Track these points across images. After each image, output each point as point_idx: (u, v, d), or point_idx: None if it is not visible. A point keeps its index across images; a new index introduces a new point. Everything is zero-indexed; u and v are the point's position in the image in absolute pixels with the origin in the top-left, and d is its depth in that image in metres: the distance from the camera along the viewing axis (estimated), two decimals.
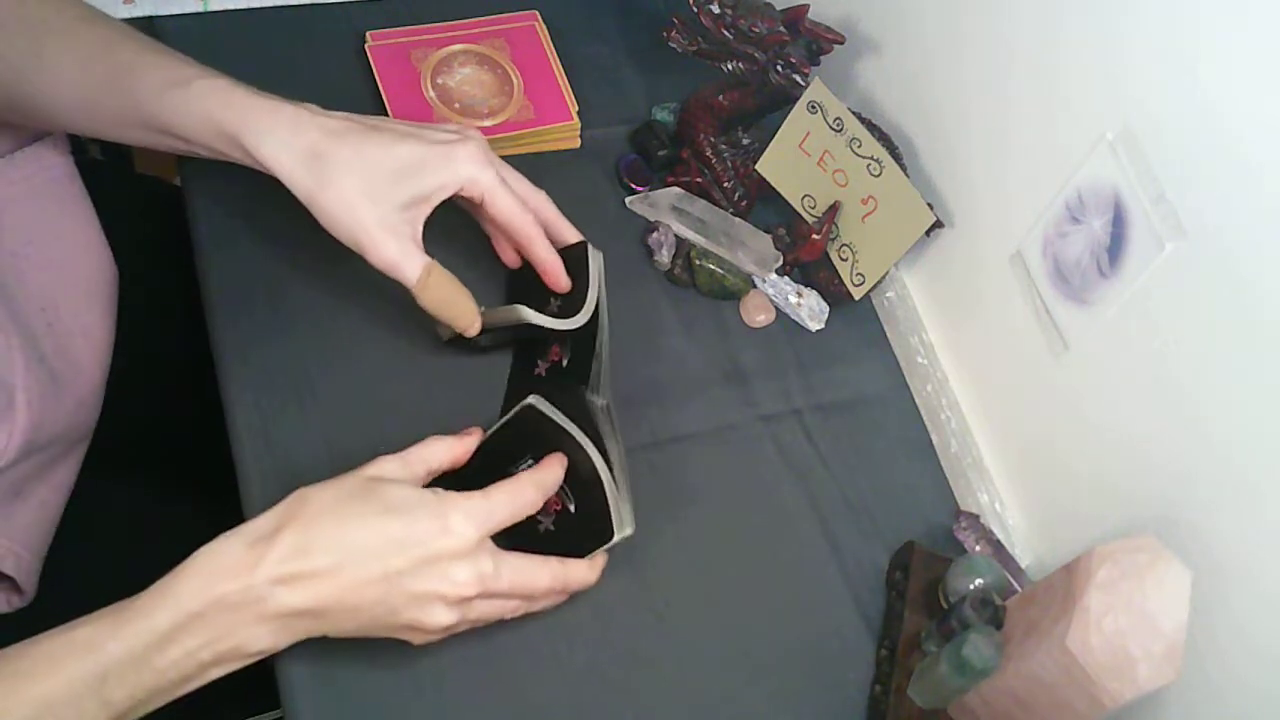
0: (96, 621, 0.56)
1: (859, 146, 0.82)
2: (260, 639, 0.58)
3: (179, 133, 0.67)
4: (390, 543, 0.59)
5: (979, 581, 0.74)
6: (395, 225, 0.67)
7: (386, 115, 0.87)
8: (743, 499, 0.81)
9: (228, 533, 0.59)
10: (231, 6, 0.90)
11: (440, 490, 0.63)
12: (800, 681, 0.75)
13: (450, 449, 0.67)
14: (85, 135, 0.72)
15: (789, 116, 0.86)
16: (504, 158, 0.89)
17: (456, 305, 0.72)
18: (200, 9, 0.89)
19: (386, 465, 0.64)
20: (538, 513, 0.67)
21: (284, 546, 0.58)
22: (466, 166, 0.69)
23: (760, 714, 0.73)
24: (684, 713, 0.72)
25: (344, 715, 0.65)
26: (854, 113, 0.83)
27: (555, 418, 0.68)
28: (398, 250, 0.67)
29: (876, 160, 0.82)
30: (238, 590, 0.57)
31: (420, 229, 0.69)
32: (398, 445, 0.67)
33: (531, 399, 0.69)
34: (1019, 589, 0.77)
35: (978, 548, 0.81)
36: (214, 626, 0.57)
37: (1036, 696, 0.66)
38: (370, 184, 0.67)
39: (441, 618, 0.61)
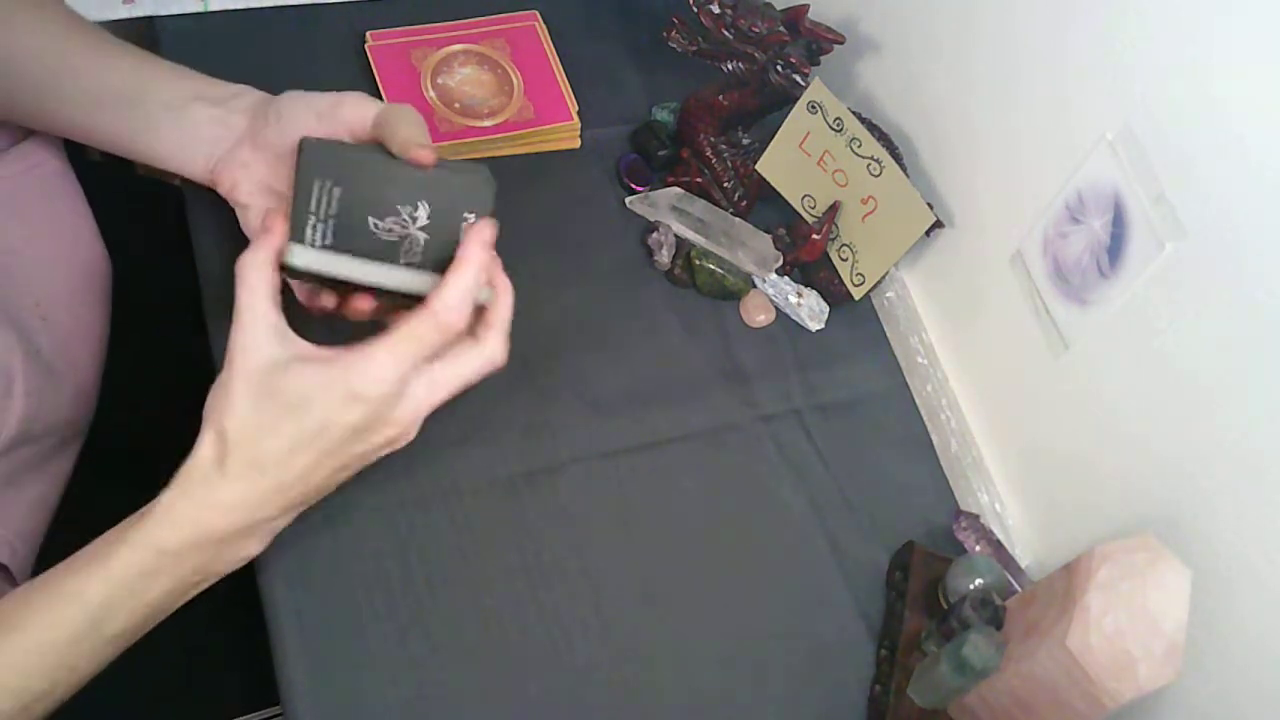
0: (80, 571, 0.59)
1: (859, 146, 0.82)
2: (246, 552, 0.63)
3: (158, 80, 0.69)
4: (317, 429, 0.60)
5: (979, 581, 0.74)
6: None
7: None
8: (743, 499, 0.81)
9: (177, 478, 0.61)
10: (231, 6, 0.90)
11: (330, 354, 0.61)
12: (800, 681, 0.75)
13: (267, 256, 0.63)
14: (29, 119, 0.73)
15: (789, 116, 0.86)
16: (504, 158, 0.90)
17: (416, 127, 0.66)
18: (200, 9, 0.89)
19: (250, 343, 0.62)
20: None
21: (239, 477, 0.60)
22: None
23: (760, 714, 0.73)
24: (684, 713, 0.72)
25: (343, 713, 0.66)
26: (854, 113, 0.83)
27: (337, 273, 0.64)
28: (362, 99, 0.67)
29: (876, 160, 0.82)
30: (214, 526, 0.60)
31: None
32: None
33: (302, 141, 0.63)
34: (1019, 589, 0.77)
35: (978, 548, 0.81)
36: (198, 559, 0.61)
37: (1036, 696, 0.66)
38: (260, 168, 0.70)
39: (400, 438, 0.64)
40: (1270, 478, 0.64)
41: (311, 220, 0.64)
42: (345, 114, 0.67)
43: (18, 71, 0.69)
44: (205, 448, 0.60)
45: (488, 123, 0.89)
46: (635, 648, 0.73)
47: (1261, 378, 0.64)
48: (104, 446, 0.79)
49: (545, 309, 0.83)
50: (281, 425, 0.60)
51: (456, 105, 0.89)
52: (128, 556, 0.59)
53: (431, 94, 0.89)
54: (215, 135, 0.70)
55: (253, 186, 0.71)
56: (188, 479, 0.60)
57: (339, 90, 0.90)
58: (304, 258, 0.64)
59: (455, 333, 0.62)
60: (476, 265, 0.62)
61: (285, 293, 0.64)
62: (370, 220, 0.64)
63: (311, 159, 0.63)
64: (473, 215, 0.64)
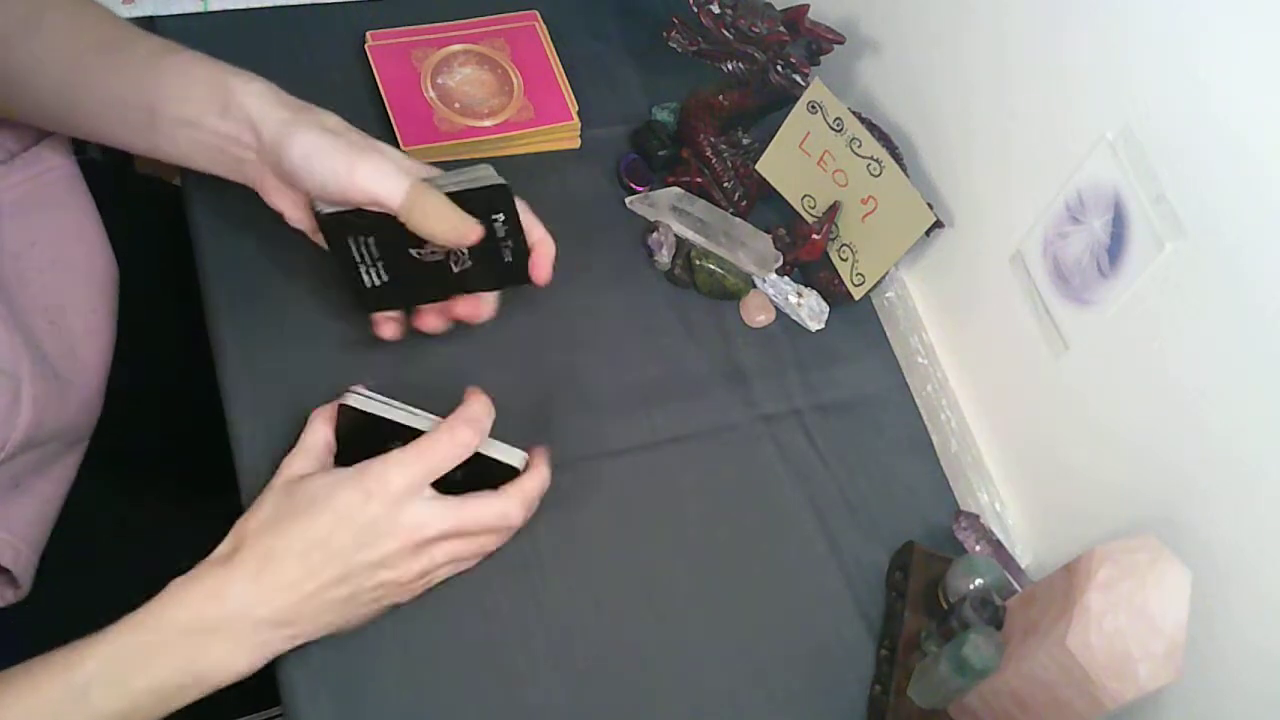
0: (74, 647, 0.58)
1: (859, 146, 0.82)
2: (235, 659, 0.61)
3: (164, 94, 0.67)
4: (327, 529, 0.62)
5: (979, 581, 0.74)
6: (374, 149, 0.67)
7: (387, 117, 0.87)
8: (743, 499, 0.81)
9: (191, 570, 0.61)
10: (231, 6, 0.90)
11: (360, 464, 0.64)
12: (800, 681, 0.75)
13: (328, 418, 0.69)
14: (58, 124, 0.72)
15: (789, 116, 0.86)
16: (504, 158, 0.90)
17: (449, 218, 0.67)
18: (200, 9, 0.89)
19: (294, 464, 0.66)
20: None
21: (247, 565, 0.61)
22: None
23: (760, 714, 0.73)
24: (684, 713, 0.72)
25: (343, 713, 0.65)
26: (854, 113, 0.83)
27: (380, 412, 0.67)
28: (376, 168, 0.65)
29: (876, 160, 0.82)
30: (210, 612, 0.60)
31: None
32: None
33: (349, 398, 0.68)
34: (1019, 589, 0.77)
35: (978, 548, 0.81)
36: (189, 648, 0.59)
37: (1036, 696, 0.66)
38: (348, 132, 0.68)
39: (410, 566, 0.64)
40: (1270, 478, 0.64)
41: (363, 266, 0.70)
42: (360, 181, 0.65)
43: (38, 79, 0.69)
44: (223, 545, 0.63)
45: (488, 123, 0.89)
46: (635, 648, 0.73)
47: (1261, 377, 0.64)
48: (106, 449, 0.79)
49: (545, 308, 0.83)
50: (294, 525, 0.62)
51: (456, 105, 0.89)
52: (118, 635, 0.58)
53: (431, 94, 0.89)
54: (233, 154, 0.69)
55: (295, 211, 0.71)
56: (197, 569, 0.61)
57: (337, 88, 0.90)
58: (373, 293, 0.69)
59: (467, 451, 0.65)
60: (539, 480, 0.69)
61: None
62: (411, 251, 0.69)
63: (335, 227, 0.68)
64: (500, 214, 0.69)
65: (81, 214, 0.78)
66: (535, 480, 0.69)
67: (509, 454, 0.68)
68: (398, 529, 0.63)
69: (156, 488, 0.91)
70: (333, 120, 0.69)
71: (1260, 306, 0.63)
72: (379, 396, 0.68)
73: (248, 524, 0.63)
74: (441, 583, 0.69)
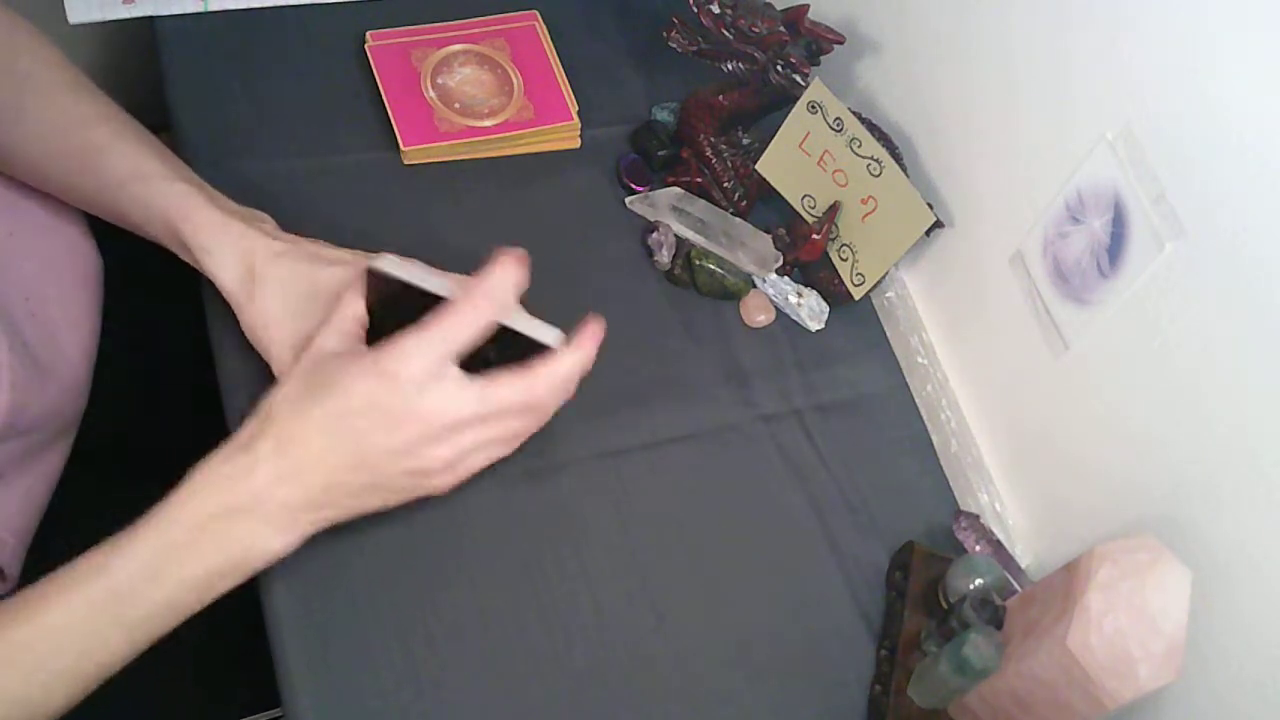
0: (101, 548, 0.59)
1: (859, 146, 0.82)
2: (270, 540, 0.61)
3: (134, 223, 0.71)
4: (343, 414, 0.60)
5: (979, 581, 0.74)
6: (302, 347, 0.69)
7: (387, 117, 0.87)
8: (743, 499, 0.81)
9: (213, 452, 0.61)
10: (231, 6, 0.90)
11: (379, 346, 0.61)
12: (800, 681, 0.75)
13: (360, 290, 0.66)
14: (51, 194, 0.75)
15: (789, 116, 0.86)
16: (504, 158, 0.90)
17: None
18: (200, 9, 0.89)
19: (322, 338, 0.64)
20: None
21: (266, 448, 0.60)
22: None
23: (760, 714, 0.73)
24: (684, 713, 0.72)
25: (344, 713, 0.65)
26: (854, 113, 0.83)
27: (406, 277, 0.63)
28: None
29: (876, 160, 0.82)
30: (235, 496, 0.60)
31: None
32: None
33: (376, 261, 0.63)
34: (1019, 589, 0.77)
35: (978, 548, 0.81)
36: (221, 534, 0.60)
37: (1036, 696, 0.66)
38: (291, 304, 0.69)
39: (435, 453, 0.62)
40: (1270, 477, 0.64)
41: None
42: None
43: (24, 164, 0.72)
44: (249, 424, 0.62)
45: (488, 123, 0.89)
46: (635, 648, 0.73)
47: (1262, 377, 0.64)
48: (98, 442, 0.79)
49: (545, 309, 0.82)
50: (312, 407, 0.61)
51: (456, 105, 0.89)
52: (148, 537, 0.59)
53: (431, 94, 0.89)
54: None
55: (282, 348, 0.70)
56: (220, 451, 0.61)
57: (337, 88, 0.90)
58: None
59: (485, 326, 0.61)
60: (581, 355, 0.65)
61: None
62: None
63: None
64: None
65: (63, 206, 0.78)
66: (568, 360, 0.64)
67: (542, 331, 0.62)
68: (415, 415, 0.60)
69: (151, 483, 0.91)
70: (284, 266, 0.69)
71: (1260, 306, 0.63)
72: (411, 261, 0.64)
73: (273, 400, 0.62)
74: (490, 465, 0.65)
